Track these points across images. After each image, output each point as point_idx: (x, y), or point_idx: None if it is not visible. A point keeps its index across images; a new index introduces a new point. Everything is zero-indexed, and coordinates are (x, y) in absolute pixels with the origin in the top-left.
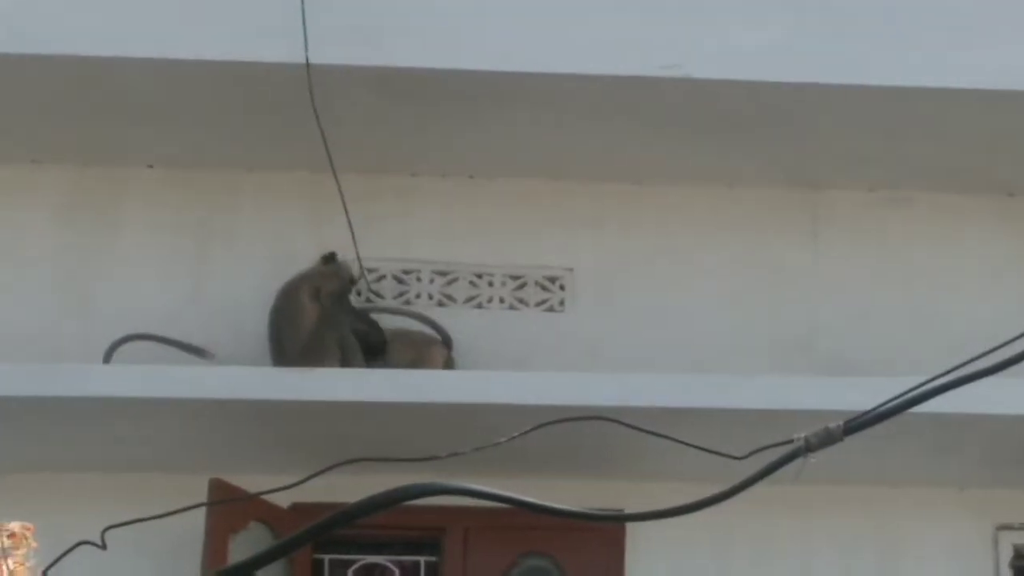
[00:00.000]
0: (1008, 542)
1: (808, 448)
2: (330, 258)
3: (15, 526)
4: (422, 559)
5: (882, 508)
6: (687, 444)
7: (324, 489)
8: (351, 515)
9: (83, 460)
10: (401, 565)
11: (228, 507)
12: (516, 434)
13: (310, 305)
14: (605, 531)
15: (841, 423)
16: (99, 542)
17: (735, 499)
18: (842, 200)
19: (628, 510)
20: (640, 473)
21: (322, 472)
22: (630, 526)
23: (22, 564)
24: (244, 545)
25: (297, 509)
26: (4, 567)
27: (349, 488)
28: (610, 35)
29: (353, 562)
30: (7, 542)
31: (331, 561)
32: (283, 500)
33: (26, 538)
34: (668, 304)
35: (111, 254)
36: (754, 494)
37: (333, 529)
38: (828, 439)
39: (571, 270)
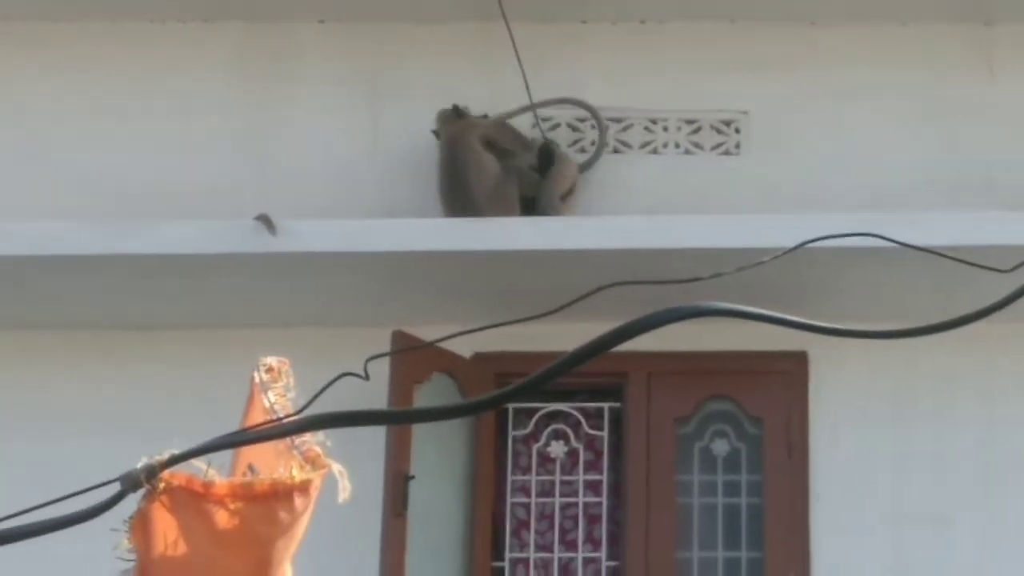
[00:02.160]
0: None
1: None
2: (464, 110)
3: (272, 360)
4: (605, 405)
5: None
6: (958, 260)
7: (506, 338)
8: (597, 349)
9: (263, 315)
10: (584, 412)
11: (411, 359)
12: (779, 254)
13: (487, 154)
14: (788, 373)
15: None
16: (362, 373)
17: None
18: (1018, 34)
19: (812, 353)
20: (824, 315)
21: (568, 305)
22: (813, 367)
23: (283, 396)
24: (428, 397)
25: (479, 358)
26: (265, 400)
27: (528, 336)
28: None
29: (537, 410)
30: (265, 376)
31: (515, 409)
32: (465, 350)
33: (283, 372)
34: (844, 144)
35: (285, 110)
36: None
37: (573, 369)
38: None
39: (745, 113)
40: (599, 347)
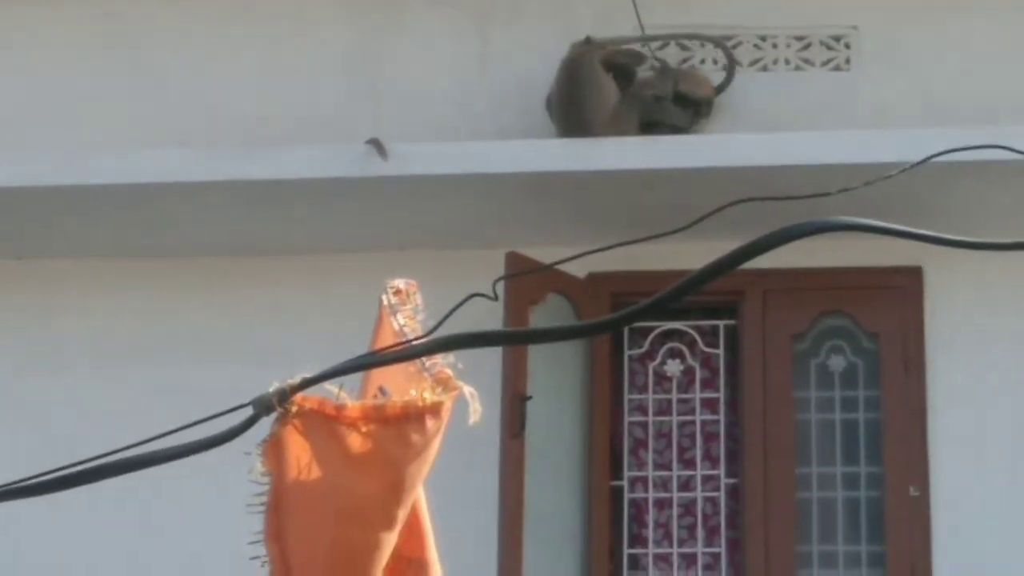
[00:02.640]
0: None
1: None
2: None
3: (400, 283)
4: (721, 323)
5: None
6: None
7: (621, 258)
8: (732, 262)
9: (379, 239)
10: (700, 330)
11: (526, 280)
12: (910, 166)
13: (606, 76)
14: (903, 288)
15: None
16: (492, 294)
17: None
18: None
19: (927, 269)
20: (940, 228)
21: (701, 219)
22: (928, 282)
23: (412, 318)
24: (544, 318)
25: (594, 279)
26: (394, 322)
27: (643, 256)
28: None
29: (652, 329)
30: (394, 299)
31: (630, 329)
32: (579, 271)
33: (411, 294)
34: (955, 58)
35: (396, 34)
36: None
37: (713, 280)
38: None
39: (855, 28)
40: (730, 263)
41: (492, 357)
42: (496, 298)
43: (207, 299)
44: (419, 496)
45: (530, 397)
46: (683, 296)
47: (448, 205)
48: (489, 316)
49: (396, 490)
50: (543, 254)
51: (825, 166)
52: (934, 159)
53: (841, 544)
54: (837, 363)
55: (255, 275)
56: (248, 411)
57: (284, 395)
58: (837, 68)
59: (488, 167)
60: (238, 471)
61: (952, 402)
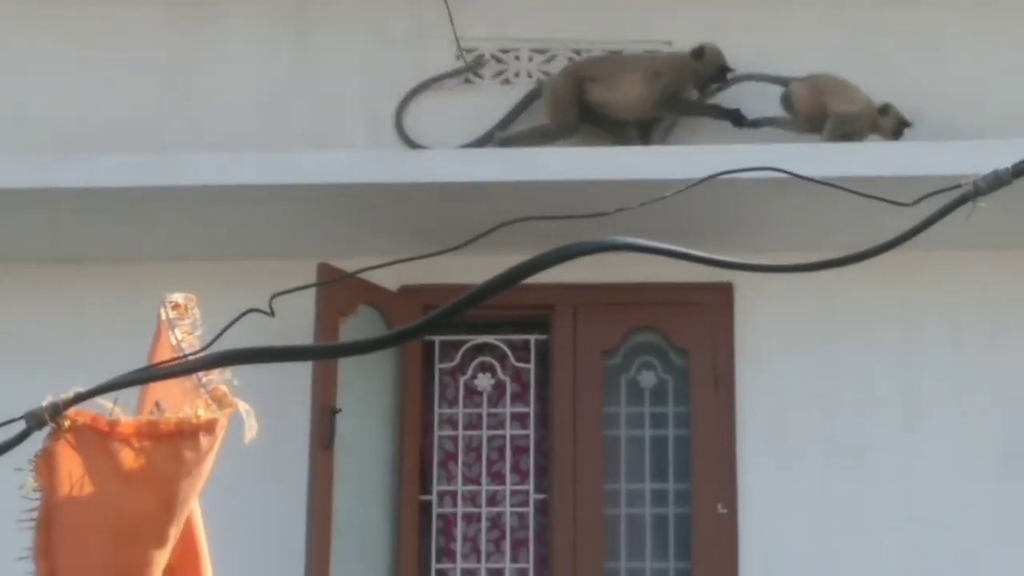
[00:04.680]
0: None
1: (977, 192)
2: (700, 52)
3: (178, 297)
4: (532, 338)
5: (991, 272)
6: (862, 194)
7: (431, 271)
8: (507, 281)
9: (190, 248)
10: (511, 345)
11: (337, 291)
12: (682, 188)
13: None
14: (714, 304)
15: (1009, 166)
16: (268, 310)
17: (842, 268)
18: None
19: (738, 285)
20: (749, 247)
21: (473, 241)
22: (739, 299)
23: (190, 333)
24: (355, 330)
25: (405, 291)
26: (172, 337)
27: (456, 269)
28: None
29: (463, 343)
30: (172, 313)
31: (442, 343)
32: (391, 284)
33: (189, 308)
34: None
35: (212, 41)
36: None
37: (488, 299)
38: (996, 182)
39: (670, 43)
40: (504, 282)
41: (303, 369)
42: (272, 313)
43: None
44: (194, 513)
45: (339, 410)
46: (456, 314)
47: (263, 215)
48: (305, 327)
49: (169, 507)
50: (358, 265)
51: (635, 181)
52: (719, 177)
53: (649, 561)
54: (647, 379)
55: (58, 282)
56: (22, 425)
57: (57, 409)
58: None
59: (303, 177)
60: (9, 485)
61: (760, 419)
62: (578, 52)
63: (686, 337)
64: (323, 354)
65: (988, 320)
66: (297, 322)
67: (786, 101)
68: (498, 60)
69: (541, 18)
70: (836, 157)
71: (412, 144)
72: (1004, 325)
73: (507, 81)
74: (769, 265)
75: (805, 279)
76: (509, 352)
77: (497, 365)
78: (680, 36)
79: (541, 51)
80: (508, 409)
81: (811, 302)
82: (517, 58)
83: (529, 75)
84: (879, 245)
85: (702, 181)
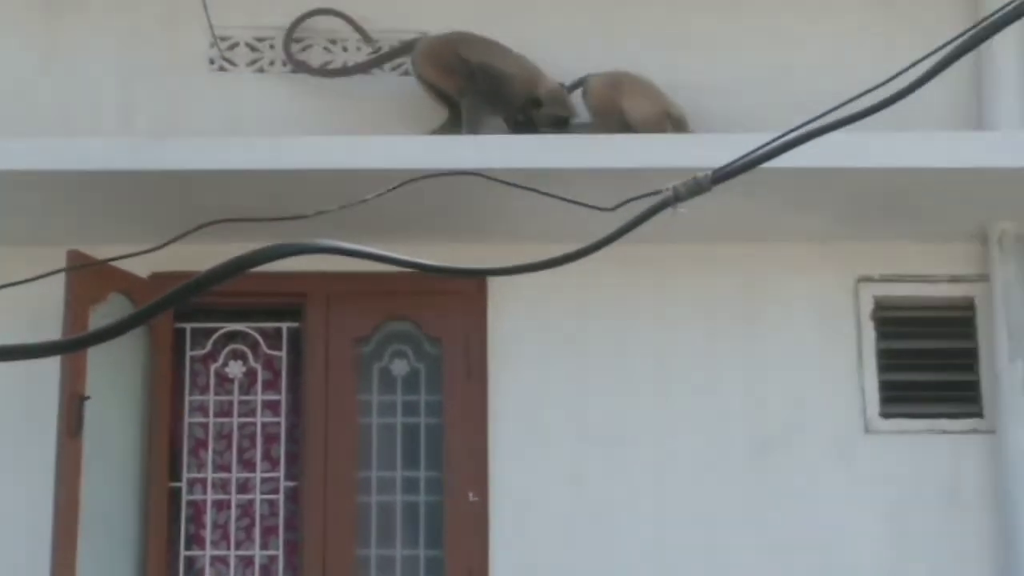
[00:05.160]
0: (869, 293)
1: (677, 198)
2: (538, 102)
3: None
4: (284, 326)
5: (744, 264)
6: (557, 197)
7: (185, 258)
8: (214, 278)
9: None
10: (263, 332)
11: (87, 278)
12: (383, 191)
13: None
14: (467, 294)
15: (709, 172)
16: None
17: (596, 259)
18: None
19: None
20: (502, 236)
21: (181, 237)
22: (492, 288)
23: None
24: (105, 318)
25: (156, 278)
26: None
27: (211, 256)
28: None
29: (215, 330)
30: None
31: (193, 330)
32: (143, 270)
33: None
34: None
35: None
36: (615, 253)
37: (196, 293)
38: (696, 188)
39: (425, 33)
40: (223, 274)
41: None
42: None
43: None
44: None
45: (88, 397)
46: (161, 311)
47: (14, 201)
48: (55, 314)
49: None
50: (110, 253)
51: (386, 170)
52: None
53: (400, 548)
54: (400, 367)
55: None
56: None
57: None
58: (406, 73)
59: (54, 164)
60: None
61: (513, 408)
62: (333, 41)
63: (439, 326)
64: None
65: (740, 311)
66: (49, 309)
67: (584, 96)
68: (252, 48)
69: (296, 7)
70: (563, 148)
71: (299, 66)
72: (756, 317)
73: (261, 70)
74: (465, 269)
75: (557, 271)
76: (261, 340)
77: (249, 353)
78: (435, 27)
79: (296, 40)
80: (260, 397)
81: (565, 292)
82: (272, 47)
83: (284, 63)
84: (587, 246)
85: (400, 186)
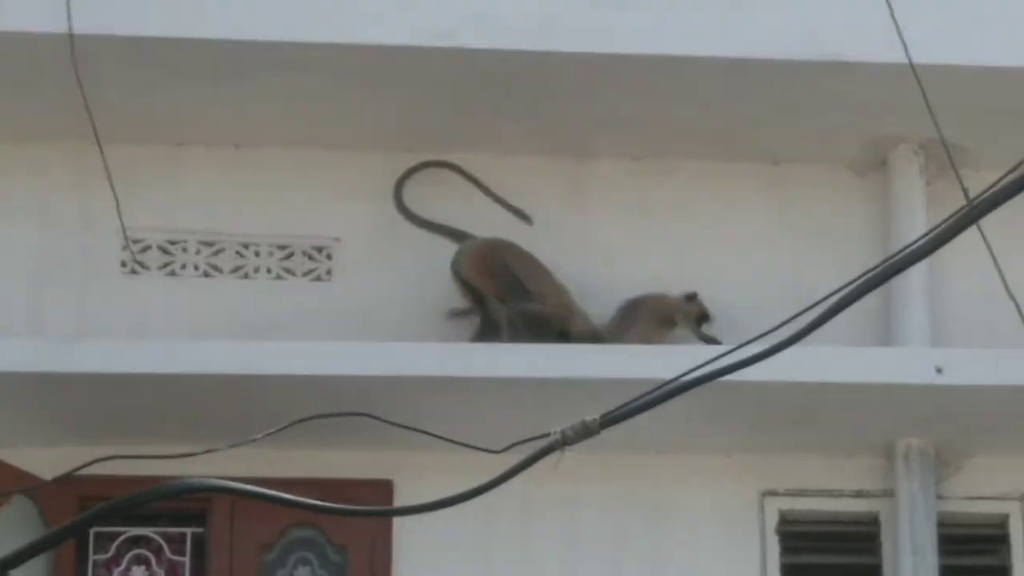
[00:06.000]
0: (774, 507)
1: (565, 442)
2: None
3: None
4: (188, 531)
5: (649, 475)
6: (442, 438)
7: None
8: (117, 509)
9: None
10: (167, 537)
11: None
12: (272, 430)
13: None
14: (372, 500)
15: (598, 416)
16: None
17: (503, 462)
18: (608, 168)
19: (398, 481)
20: (411, 445)
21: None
22: (398, 495)
23: None
24: (8, 521)
25: (61, 481)
26: None
27: (114, 462)
28: (380, 4)
29: (119, 534)
30: None
31: (96, 533)
32: (47, 473)
33: None
34: (436, 271)
35: None
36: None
37: (97, 520)
38: (585, 432)
39: (338, 239)
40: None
41: None
42: None
43: None
44: None
45: None
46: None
47: None
48: None
49: None
50: (17, 455)
51: (290, 376)
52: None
53: None
54: (303, 575)
55: None
56: None
57: None
58: (318, 278)
59: None
60: None
61: None
62: (246, 246)
63: (344, 533)
64: None
65: (647, 521)
66: None
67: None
68: (164, 251)
69: (208, 212)
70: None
71: (413, 217)
72: (662, 527)
73: (173, 273)
74: (363, 509)
75: (464, 477)
76: (165, 545)
77: (152, 558)
78: (346, 232)
79: (208, 243)
80: None
81: (471, 501)
82: (184, 250)
83: (196, 267)
84: (481, 486)
85: (291, 425)
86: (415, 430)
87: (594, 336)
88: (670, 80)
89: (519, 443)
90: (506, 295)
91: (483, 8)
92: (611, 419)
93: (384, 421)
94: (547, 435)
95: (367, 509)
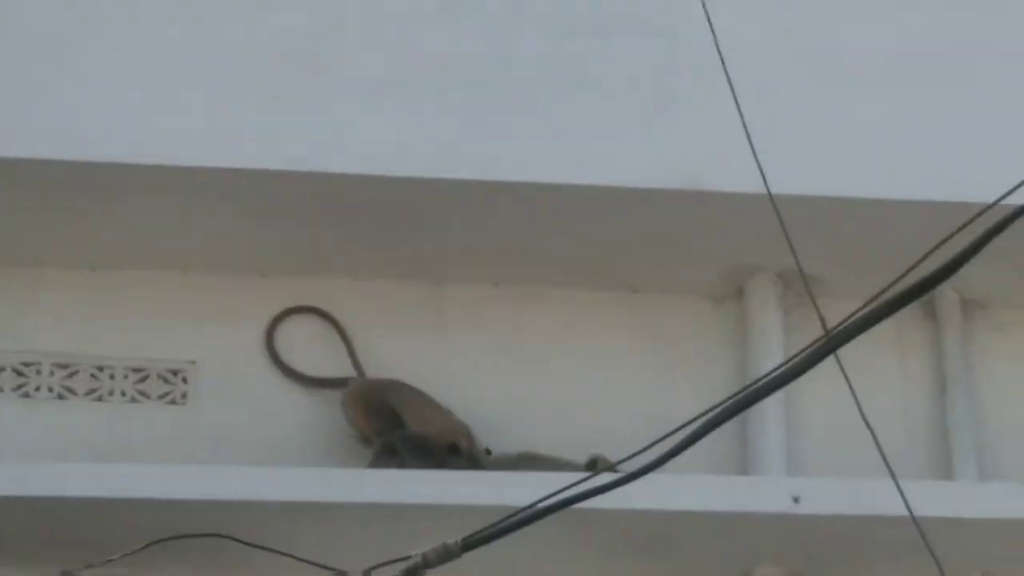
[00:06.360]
0: None
1: (426, 564)
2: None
3: None
4: None
5: None
6: (310, 562)
7: None
8: None
9: None
10: None
11: None
12: (128, 552)
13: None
14: None
15: (459, 539)
16: None
17: None
18: (467, 294)
19: None
20: (269, 571)
21: None
22: None
23: None
24: None
25: None
26: None
27: None
28: (235, 126)
29: None
30: None
31: None
32: None
33: None
34: (293, 398)
35: None
36: None
37: None
38: (446, 555)
39: (194, 363)
40: None
41: None
42: None
43: None
44: None
45: None
46: None
47: None
48: None
49: None
50: None
51: (139, 500)
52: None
53: None
54: None
55: None
56: None
57: None
58: (173, 402)
59: None
60: None
61: None
62: (100, 368)
63: None
64: None
65: None
66: None
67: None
68: (19, 373)
69: (63, 333)
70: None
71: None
72: None
73: (27, 395)
74: None
75: None
76: None
77: None
78: (203, 355)
79: (63, 365)
80: None
81: None
82: (38, 372)
83: (50, 389)
84: None
85: (146, 547)
86: (274, 551)
87: (475, 458)
88: (530, 207)
89: (379, 565)
90: (385, 431)
91: (339, 133)
92: (473, 542)
93: (242, 542)
94: (407, 558)
95: None
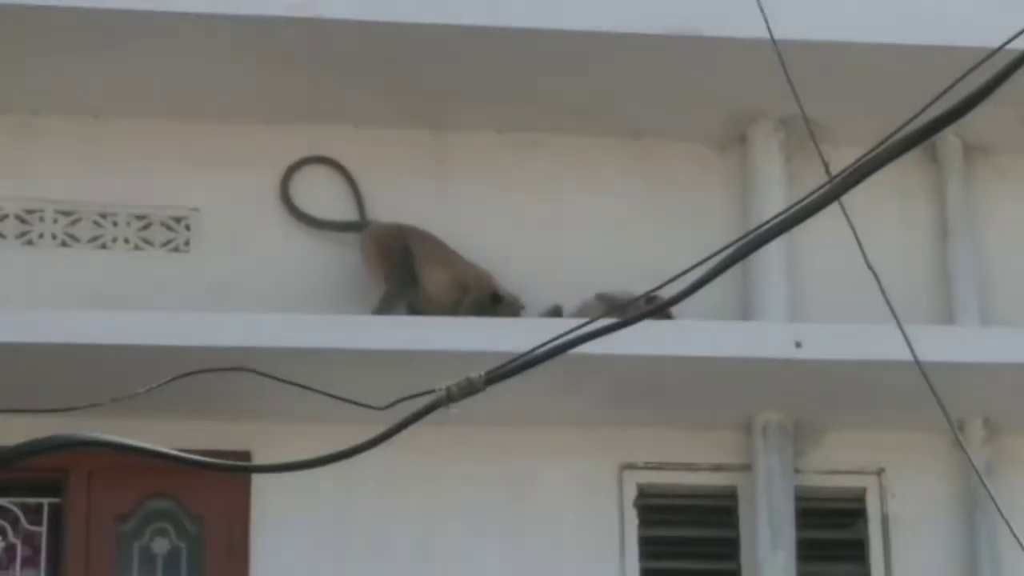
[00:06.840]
0: (632, 481)
1: (450, 398)
2: (498, 298)
3: None
4: (45, 501)
5: (507, 449)
6: (330, 395)
7: None
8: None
9: None
10: (24, 507)
11: None
12: (154, 385)
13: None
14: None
15: (483, 372)
16: None
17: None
18: (470, 142)
19: (256, 452)
20: (269, 416)
21: None
22: None
23: None
24: None
25: None
26: None
27: None
28: None
29: None
30: None
31: None
32: None
33: None
34: (294, 245)
35: None
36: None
37: None
38: (470, 389)
39: (197, 210)
40: None
41: None
42: None
43: None
44: None
45: None
46: None
47: None
48: None
49: None
50: None
51: (150, 347)
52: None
53: None
54: (161, 546)
55: None
56: None
57: None
58: (176, 249)
59: None
60: None
61: None
62: (104, 216)
63: (201, 504)
64: None
65: (505, 496)
66: None
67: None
68: (22, 220)
69: (66, 180)
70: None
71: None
72: (521, 501)
73: (30, 242)
74: (228, 464)
75: (324, 447)
76: (21, 515)
77: (9, 528)
78: (205, 202)
79: (66, 213)
80: (18, 573)
81: (329, 473)
82: (41, 219)
83: (54, 236)
84: (355, 447)
85: (173, 380)
86: (298, 385)
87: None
88: (532, 53)
89: (404, 399)
90: (393, 275)
91: None
92: (496, 375)
93: (266, 375)
94: (431, 391)
95: (237, 464)
